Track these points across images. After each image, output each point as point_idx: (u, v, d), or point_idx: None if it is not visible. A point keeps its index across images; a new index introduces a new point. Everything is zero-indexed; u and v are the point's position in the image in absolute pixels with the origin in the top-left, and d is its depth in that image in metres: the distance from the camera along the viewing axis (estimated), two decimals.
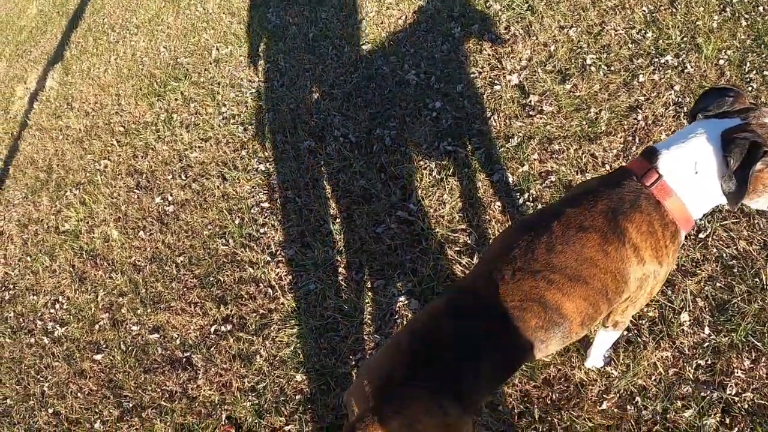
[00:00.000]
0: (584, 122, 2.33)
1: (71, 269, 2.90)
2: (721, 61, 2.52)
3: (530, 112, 2.46)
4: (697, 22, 2.76)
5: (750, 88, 2.37)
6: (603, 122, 2.30)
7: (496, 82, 2.64)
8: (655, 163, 1.30)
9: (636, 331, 1.78)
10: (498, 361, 1.28)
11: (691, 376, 1.68)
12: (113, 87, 4.16)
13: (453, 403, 1.19)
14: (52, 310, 2.78)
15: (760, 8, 2.80)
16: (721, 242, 1.89)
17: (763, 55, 2.52)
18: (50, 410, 2.38)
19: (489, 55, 2.78)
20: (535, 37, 2.76)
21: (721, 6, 2.81)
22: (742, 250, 1.86)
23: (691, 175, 1.29)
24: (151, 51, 4.30)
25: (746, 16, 2.76)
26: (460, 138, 2.47)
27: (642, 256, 1.28)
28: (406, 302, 2.04)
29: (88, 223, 3.10)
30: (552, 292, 1.24)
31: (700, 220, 1.91)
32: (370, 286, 2.15)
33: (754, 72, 2.41)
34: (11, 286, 3.07)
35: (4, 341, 2.77)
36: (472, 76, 2.72)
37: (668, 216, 1.29)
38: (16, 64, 5.89)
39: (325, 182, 2.58)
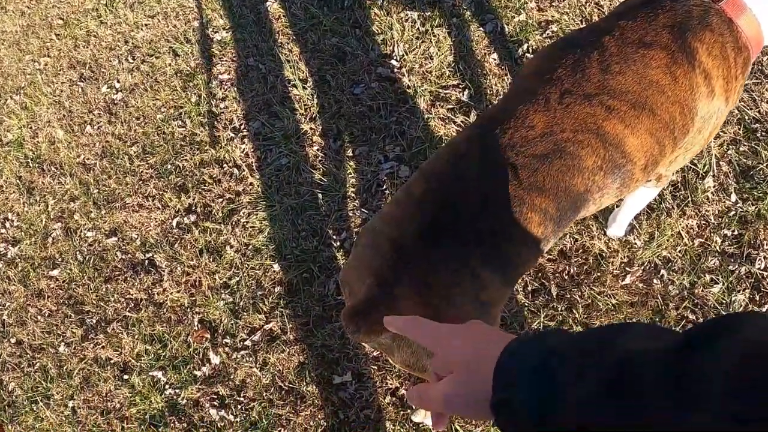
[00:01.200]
0: None
1: (18, 182, 2.53)
2: None
3: None
4: None
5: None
6: None
7: None
8: None
9: (658, 197, 1.47)
10: (546, 212, 0.95)
11: (717, 248, 1.46)
12: None
13: (491, 271, 0.91)
14: (2, 231, 2.43)
15: None
16: (742, 103, 1.60)
17: None
18: (12, 340, 2.09)
19: None
20: None
21: None
22: (765, 113, 1.58)
23: None
24: None
25: None
26: None
27: (713, 86, 1.02)
28: (395, 170, 1.66)
29: (31, 128, 2.70)
30: (612, 122, 0.95)
31: None
32: (351, 154, 1.77)
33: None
34: None
35: None
36: None
37: (741, 38, 1.02)
38: None
39: (291, 45, 2.14)
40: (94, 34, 2.87)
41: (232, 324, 1.63)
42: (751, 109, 1.56)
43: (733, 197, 1.50)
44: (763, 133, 1.54)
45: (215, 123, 2.05)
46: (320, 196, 1.71)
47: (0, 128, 2.87)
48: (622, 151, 0.97)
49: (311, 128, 1.89)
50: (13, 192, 2.52)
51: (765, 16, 1.05)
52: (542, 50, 1.11)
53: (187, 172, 1.98)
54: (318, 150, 1.83)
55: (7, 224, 2.45)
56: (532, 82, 1.00)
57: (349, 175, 1.75)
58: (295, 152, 1.84)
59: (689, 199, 1.49)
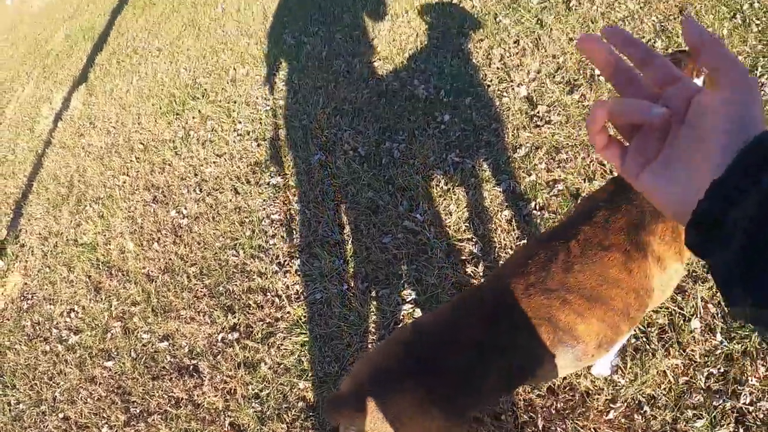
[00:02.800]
0: None
1: (87, 280, 2.96)
2: None
3: (538, 123, 2.49)
4: (708, 29, 2.77)
5: (762, 92, 2.38)
6: (611, 129, 2.32)
7: (504, 94, 2.68)
8: None
9: (645, 339, 1.74)
10: (499, 371, 1.22)
11: (702, 384, 1.63)
12: (134, 106, 4.28)
13: (441, 406, 1.17)
14: (67, 319, 2.83)
15: None
16: None
17: None
18: (60, 415, 2.42)
19: (498, 68, 2.82)
20: (543, 50, 2.81)
21: (732, 13, 2.84)
22: None
23: None
24: (171, 72, 4.42)
25: (757, 21, 2.78)
26: (468, 149, 2.50)
27: (665, 263, 1.23)
28: (411, 311, 2.06)
29: (105, 235, 3.18)
30: (565, 312, 1.18)
31: None
32: (375, 295, 2.17)
33: (766, 77, 2.43)
34: (30, 297, 3.15)
35: (20, 348, 2.83)
36: (480, 89, 2.76)
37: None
38: (43, 85, 6.08)
39: (334, 195, 2.62)
40: (169, 162, 3.41)
41: (258, 429, 1.96)
42: None
43: (719, 337, 1.66)
44: None
45: (264, 256, 2.49)
46: (345, 329, 2.10)
47: (78, 230, 3.36)
48: (573, 335, 1.18)
49: (344, 269, 2.31)
50: (82, 288, 2.95)
51: None
52: (527, 243, 1.44)
53: (236, 296, 2.39)
54: (347, 289, 2.24)
55: (72, 314, 2.86)
56: (511, 270, 1.26)
57: (372, 313, 2.13)
58: (328, 289, 2.25)
59: (674, 340, 1.70)
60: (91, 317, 2.75)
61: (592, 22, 2.86)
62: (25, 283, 3.28)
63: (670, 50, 2.63)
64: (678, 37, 2.64)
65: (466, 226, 2.24)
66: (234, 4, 5.08)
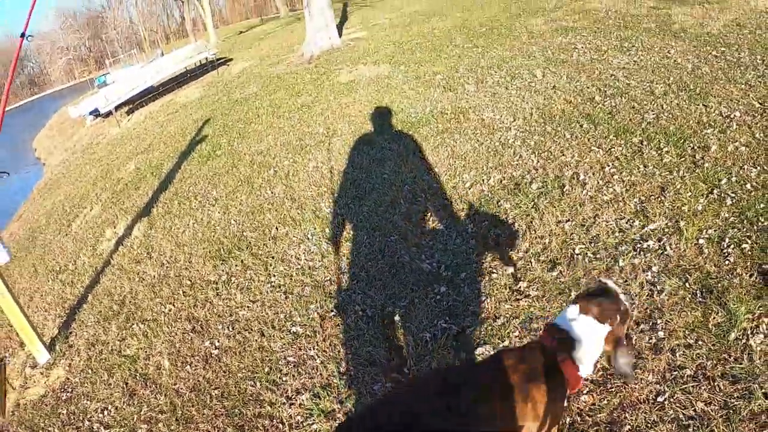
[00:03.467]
0: (564, 304, 3.00)
1: (124, 386, 3.54)
2: (701, 240, 3.22)
3: (518, 296, 3.17)
4: (683, 207, 3.53)
5: (727, 263, 3.02)
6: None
7: (494, 271, 3.40)
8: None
9: None
10: None
11: None
12: (188, 246, 5.08)
13: None
14: (100, 415, 3.38)
15: (748, 185, 3.57)
16: (678, 405, 2.35)
17: (744, 229, 3.21)
18: None
19: (493, 247, 3.59)
20: (534, 231, 3.58)
21: (710, 189, 3.60)
22: (699, 410, 2.29)
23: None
24: (223, 221, 5.28)
25: (732, 195, 3.52)
26: (456, 317, 3.16)
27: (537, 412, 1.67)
28: None
29: (146, 352, 3.80)
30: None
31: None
32: None
33: (732, 246, 3.08)
34: (70, 390, 3.71)
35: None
36: (475, 266, 3.49)
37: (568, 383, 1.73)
38: (110, 210, 7.02)
39: (340, 347, 3.25)
40: (210, 301, 4.11)
41: None
42: (686, 408, 2.30)
43: None
44: (695, 428, 2.20)
45: (276, 389, 3.08)
46: None
47: (122, 343, 4.00)
48: None
49: (338, 408, 2.87)
50: (118, 392, 3.51)
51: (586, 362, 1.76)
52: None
53: (248, 419, 2.95)
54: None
55: (105, 412, 3.39)
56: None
57: None
58: (323, 420, 2.81)
59: None
60: (121, 417, 3.29)
61: (581, 206, 3.66)
62: (68, 378, 3.86)
63: (663, 243, 3.35)
64: (655, 216, 3.36)
65: None
66: (285, 168, 6.07)
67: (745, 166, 3.86)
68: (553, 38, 8.94)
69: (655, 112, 5.15)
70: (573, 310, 1.83)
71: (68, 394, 3.70)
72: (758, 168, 3.79)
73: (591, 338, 1.78)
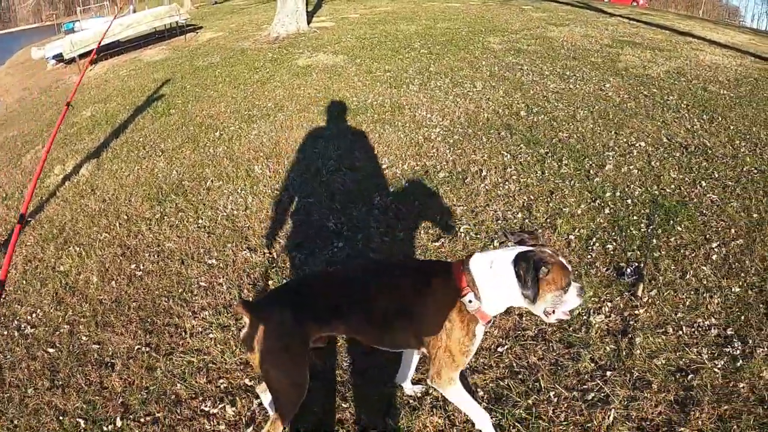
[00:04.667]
0: None
1: (54, 295, 3.94)
2: (572, 237, 3.82)
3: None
4: (564, 209, 4.13)
5: (589, 256, 3.61)
6: None
7: (386, 235, 3.96)
8: (467, 264, 2.00)
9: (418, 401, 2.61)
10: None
11: None
12: (129, 188, 5.49)
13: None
14: (28, 317, 3.76)
15: (628, 201, 4.20)
16: (514, 356, 2.81)
17: (613, 234, 3.83)
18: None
19: (392, 218, 4.15)
20: (430, 209, 4.14)
21: (593, 198, 4.20)
22: (531, 363, 2.75)
23: (488, 271, 1.95)
24: (166, 170, 5.71)
25: (612, 206, 4.14)
26: None
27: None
28: None
29: (78, 269, 4.21)
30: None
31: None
32: None
33: (598, 245, 3.68)
34: (2, 297, 4.10)
35: None
36: (372, 229, 4.05)
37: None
38: (61, 149, 7.31)
39: (245, 278, 3.75)
40: (142, 233, 4.54)
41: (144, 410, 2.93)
42: (520, 359, 2.71)
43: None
44: (525, 376, 2.46)
45: (184, 305, 3.57)
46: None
47: (58, 261, 4.39)
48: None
49: (233, 323, 3.36)
50: (48, 299, 3.90)
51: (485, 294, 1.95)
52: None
53: (157, 326, 3.43)
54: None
55: (34, 315, 3.79)
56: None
57: None
58: (219, 331, 3.31)
59: (441, 405, 2.49)
60: (48, 319, 3.70)
61: (476, 196, 4.36)
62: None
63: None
64: (538, 212, 3.99)
65: None
66: (230, 133, 6.53)
67: (632, 186, 4.53)
68: (504, 57, 9.51)
69: (569, 132, 5.81)
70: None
71: (1, 299, 4.08)
72: (642, 189, 4.48)
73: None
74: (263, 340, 2.06)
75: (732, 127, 5.89)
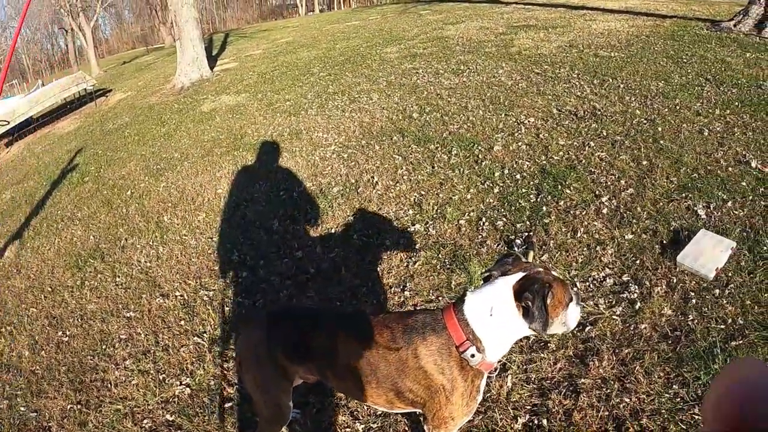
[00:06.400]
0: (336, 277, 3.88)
1: None
2: (462, 221, 4.01)
3: (300, 275, 4.00)
4: (454, 197, 4.31)
5: (479, 237, 3.80)
6: (350, 274, 3.86)
7: (286, 257, 4.23)
8: (461, 313, 1.69)
9: None
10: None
11: None
12: (51, 260, 5.57)
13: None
14: None
15: (517, 176, 4.37)
16: None
17: (503, 210, 4.00)
18: None
19: (290, 240, 4.42)
20: (324, 224, 4.43)
21: (483, 181, 4.39)
22: None
23: (488, 319, 1.64)
24: (83, 237, 5.81)
25: (501, 184, 4.27)
26: (251, 294, 3.97)
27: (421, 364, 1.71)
28: None
29: (10, 346, 4.32)
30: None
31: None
32: None
33: (488, 224, 3.88)
34: None
35: None
36: (273, 254, 4.30)
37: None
38: None
39: (160, 323, 3.97)
40: (66, 301, 4.67)
41: None
42: None
43: None
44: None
45: (108, 360, 3.76)
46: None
47: None
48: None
49: (152, 367, 3.59)
50: None
51: (484, 335, 1.65)
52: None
53: (86, 384, 3.61)
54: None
55: None
56: None
57: None
58: (140, 376, 3.52)
59: None
60: None
61: (369, 202, 4.56)
62: None
63: (427, 226, 4.22)
64: (428, 205, 4.30)
65: None
66: (141, 190, 6.66)
67: (521, 162, 4.79)
68: (400, 64, 9.78)
69: (459, 123, 6.09)
70: None
71: None
72: (531, 161, 4.73)
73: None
74: (237, 350, 2.23)
75: (622, 86, 6.22)
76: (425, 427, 1.87)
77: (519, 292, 1.60)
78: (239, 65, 14.53)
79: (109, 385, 3.52)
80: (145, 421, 3.13)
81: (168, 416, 3.11)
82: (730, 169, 4.15)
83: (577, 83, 6.70)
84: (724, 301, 2.91)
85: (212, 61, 14.40)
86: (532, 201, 4.16)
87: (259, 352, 2.07)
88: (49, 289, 4.97)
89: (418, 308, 3.07)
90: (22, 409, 3.60)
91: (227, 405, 3.07)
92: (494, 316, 1.63)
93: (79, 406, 3.43)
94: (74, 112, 14.84)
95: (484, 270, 2.01)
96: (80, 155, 9.54)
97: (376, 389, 1.84)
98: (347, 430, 2.66)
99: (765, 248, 3.24)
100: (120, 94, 15.66)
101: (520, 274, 1.66)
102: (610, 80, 6.56)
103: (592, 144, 4.87)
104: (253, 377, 2.14)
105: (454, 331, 1.68)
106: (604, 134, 5.06)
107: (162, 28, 38.26)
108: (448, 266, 3.69)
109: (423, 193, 4.73)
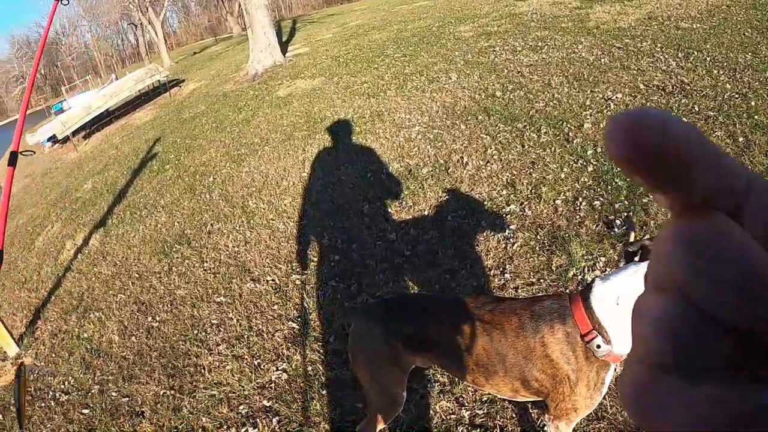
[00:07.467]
0: (434, 259, 3.79)
1: (81, 360, 4.22)
2: (558, 201, 3.98)
3: (395, 258, 3.94)
4: (547, 176, 4.28)
5: (577, 217, 3.77)
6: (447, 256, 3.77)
7: (379, 240, 4.17)
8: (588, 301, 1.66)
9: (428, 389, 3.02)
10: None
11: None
12: (137, 247, 5.78)
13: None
14: (61, 385, 4.04)
15: None
16: None
17: (599, 190, 3.96)
18: None
19: (383, 222, 4.36)
20: (416, 206, 4.37)
21: (575, 160, 4.34)
22: None
23: (615, 309, 1.58)
24: (168, 224, 5.99)
25: (594, 163, 4.25)
26: (345, 279, 3.93)
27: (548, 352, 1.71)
28: None
29: (100, 332, 4.49)
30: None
31: None
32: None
33: (585, 204, 3.84)
34: (36, 373, 4.39)
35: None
36: (365, 237, 4.26)
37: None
38: (69, 225, 7.63)
39: (252, 308, 3.99)
40: (154, 287, 4.82)
41: None
42: None
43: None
44: None
45: (201, 345, 3.81)
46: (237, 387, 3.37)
47: (81, 329, 4.67)
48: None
49: (246, 352, 3.61)
50: (77, 366, 4.19)
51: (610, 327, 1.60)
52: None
53: (178, 369, 3.68)
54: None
55: (66, 382, 4.06)
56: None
57: None
58: (234, 362, 3.54)
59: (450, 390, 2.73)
60: (79, 383, 3.98)
61: (460, 183, 4.51)
62: (34, 363, 4.53)
63: (523, 207, 4.15)
64: (522, 186, 4.16)
65: None
66: (223, 175, 6.81)
67: None
68: (476, 43, 9.75)
69: (545, 101, 5.99)
70: None
71: (35, 375, 4.36)
72: None
73: None
74: (352, 344, 2.22)
75: (708, 59, 5.99)
76: (546, 417, 1.88)
77: None
78: (311, 50, 14.74)
79: (202, 371, 3.56)
80: (241, 407, 3.14)
81: (265, 402, 3.10)
82: None
83: (661, 57, 6.44)
84: None
85: (283, 47, 14.67)
86: (628, 180, 4.02)
87: (376, 345, 2.09)
88: (137, 275, 5.14)
89: (544, 293, 2.96)
90: (114, 394, 3.71)
91: (324, 392, 3.03)
92: (621, 306, 1.58)
93: (172, 392, 3.49)
94: (149, 103, 15.54)
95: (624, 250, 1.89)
96: (159, 144, 9.93)
97: (503, 378, 1.84)
98: (452, 416, 2.64)
99: None
100: (193, 83, 16.26)
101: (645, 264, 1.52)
102: (695, 53, 6.23)
103: (684, 120, 4.65)
104: (368, 369, 2.16)
105: (580, 320, 1.67)
106: (696, 110, 4.81)
107: (229, 18, 39.72)
108: (547, 247, 3.63)
109: (515, 172, 4.61)
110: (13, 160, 1.94)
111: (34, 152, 13.44)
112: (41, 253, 7.16)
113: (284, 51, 14.39)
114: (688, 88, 5.34)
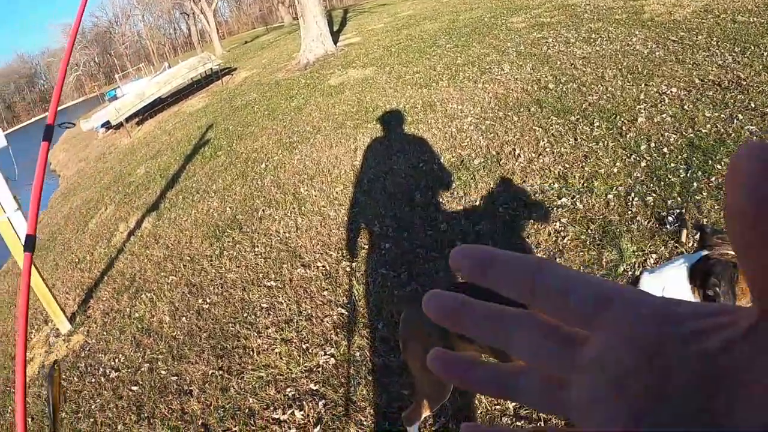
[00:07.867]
0: None
1: (132, 339, 4.36)
2: (610, 196, 3.94)
3: (444, 248, 3.94)
4: (600, 170, 4.24)
5: (629, 212, 3.72)
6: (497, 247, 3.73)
7: (430, 229, 4.17)
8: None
9: None
10: None
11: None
12: (189, 231, 5.93)
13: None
14: (112, 363, 4.18)
15: (664, 149, 4.28)
16: None
17: (652, 185, 3.91)
18: (90, 419, 3.67)
19: (434, 212, 4.36)
20: (468, 197, 4.36)
21: (629, 154, 4.29)
22: None
23: None
24: (220, 209, 6.13)
25: (647, 158, 4.20)
26: (395, 267, 3.94)
27: None
28: None
29: (151, 313, 4.63)
30: None
31: None
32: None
33: (637, 199, 3.80)
34: (87, 349, 4.55)
35: (73, 380, 4.17)
36: (416, 227, 4.26)
37: None
38: (122, 208, 7.90)
39: (302, 293, 4.04)
40: (205, 270, 4.94)
41: (222, 427, 3.24)
42: None
43: None
44: None
45: (250, 327, 3.88)
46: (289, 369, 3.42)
47: (132, 309, 4.83)
48: None
49: (295, 336, 3.66)
50: (127, 343, 4.33)
51: None
52: None
53: (227, 350, 3.76)
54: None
55: (117, 360, 4.21)
56: None
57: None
58: (283, 345, 3.60)
59: None
60: (129, 361, 4.11)
61: (512, 175, 4.49)
62: (86, 341, 4.70)
63: (574, 200, 4.10)
64: (574, 179, 4.11)
65: None
66: (275, 162, 6.92)
67: (666, 134, 4.57)
68: (528, 34, 9.64)
69: (598, 94, 5.88)
70: None
71: (86, 352, 4.53)
72: (677, 134, 4.51)
73: None
74: (403, 331, 2.25)
75: (766, 54, 5.77)
76: None
77: (695, 274, 1.52)
78: (362, 39, 14.81)
79: (251, 353, 3.62)
80: (288, 389, 3.18)
81: (312, 385, 3.14)
82: None
83: (717, 51, 6.20)
84: None
85: (335, 36, 14.80)
86: (681, 176, 3.92)
87: (429, 332, 2.10)
88: (188, 258, 5.27)
89: None
90: (163, 372, 3.82)
91: (371, 378, 3.05)
92: (666, 295, 1.47)
93: (220, 372, 3.57)
94: (201, 91, 15.92)
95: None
96: (211, 131, 10.17)
97: None
98: (498, 406, 2.63)
99: None
100: (245, 72, 16.57)
101: (699, 254, 1.57)
102: (753, 48, 5.95)
103: (740, 117, 4.49)
104: (419, 357, 2.20)
105: None
106: (752, 106, 4.61)
107: (281, 8, 40.26)
108: (598, 242, 3.57)
109: (567, 165, 4.53)
110: (48, 134, 1.98)
111: (74, 124, 13.93)
112: (94, 234, 7.44)
113: (335, 40, 14.50)
114: (744, 83, 5.13)
